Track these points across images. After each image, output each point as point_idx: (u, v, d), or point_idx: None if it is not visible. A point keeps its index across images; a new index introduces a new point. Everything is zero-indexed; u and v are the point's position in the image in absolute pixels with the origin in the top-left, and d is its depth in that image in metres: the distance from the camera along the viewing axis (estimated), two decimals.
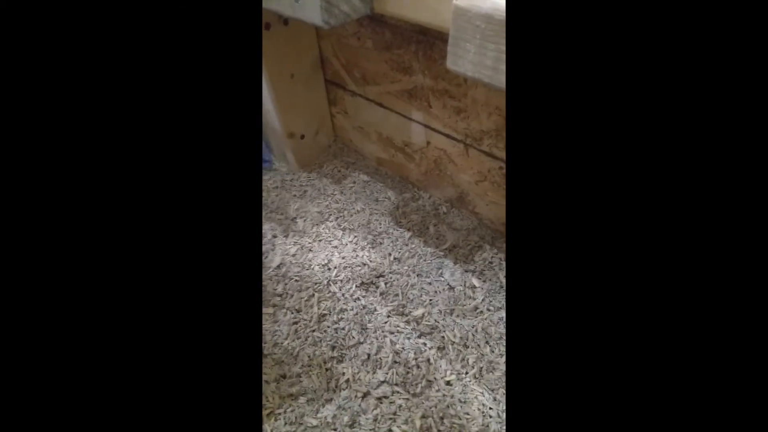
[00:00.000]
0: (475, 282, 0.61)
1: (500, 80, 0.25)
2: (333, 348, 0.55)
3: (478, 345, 0.55)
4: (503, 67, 0.25)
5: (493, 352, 0.54)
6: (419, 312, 0.59)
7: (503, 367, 0.52)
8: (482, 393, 0.50)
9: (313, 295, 0.61)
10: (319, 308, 0.59)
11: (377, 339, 0.56)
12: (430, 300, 0.60)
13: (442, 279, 0.62)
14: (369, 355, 0.54)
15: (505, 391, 0.50)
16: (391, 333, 0.56)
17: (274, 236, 0.69)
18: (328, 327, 0.57)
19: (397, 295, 0.61)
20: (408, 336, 0.56)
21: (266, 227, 0.71)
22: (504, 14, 0.23)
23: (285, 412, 0.49)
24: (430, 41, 0.54)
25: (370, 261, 0.65)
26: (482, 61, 0.25)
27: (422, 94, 0.61)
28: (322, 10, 0.34)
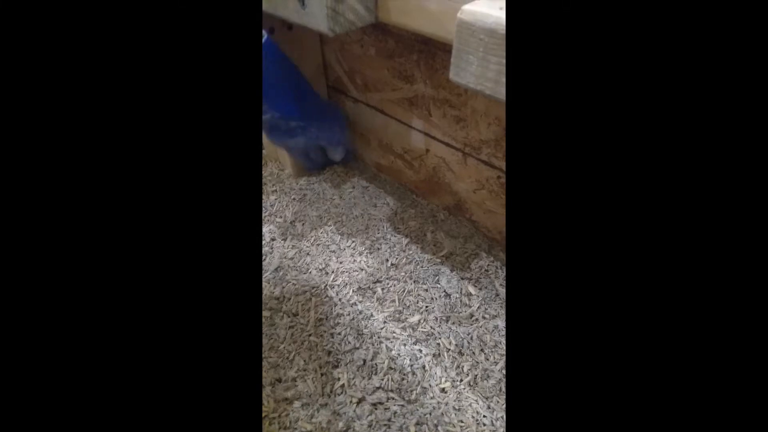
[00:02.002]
0: (471, 290, 0.62)
1: (502, 92, 0.26)
2: (329, 353, 0.55)
3: (473, 352, 0.55)
4: (505, 80, 0.25)
5: (488, 359, 0.54)
6: (415, 318, 0.59)
7: (498, 375, 0.53)
8: (477, 401, 0.50)
9: (310, 299, 0.61)
10: (315, 313, 0.59)
11: (373, 345, 0.56)
12: (427, 307, 0.60)
13: (439, 286, 0.62)
14: (365, 360, 0.54)
15: (499, 400, 0.51)
16: (387, 339, 0.56)
17: (273, 239, 0.69)
18: (325, 332, 0.57)
19: (393, 301, 0.61)
20: (404, 342, 0.56)
21: (265, 230, 0.71)
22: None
23: (279, 416, 0.49)
24: (432, 51, 0.55)
25: (368, 266, 0.65)
26: (484, 73, 0.26)
27: (423, 102, 0.62)
28: (328, 17, 0.35)
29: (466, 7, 0.25)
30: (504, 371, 0.53)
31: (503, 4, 0.25)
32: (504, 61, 0.25)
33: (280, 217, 0.73)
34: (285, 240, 0.69)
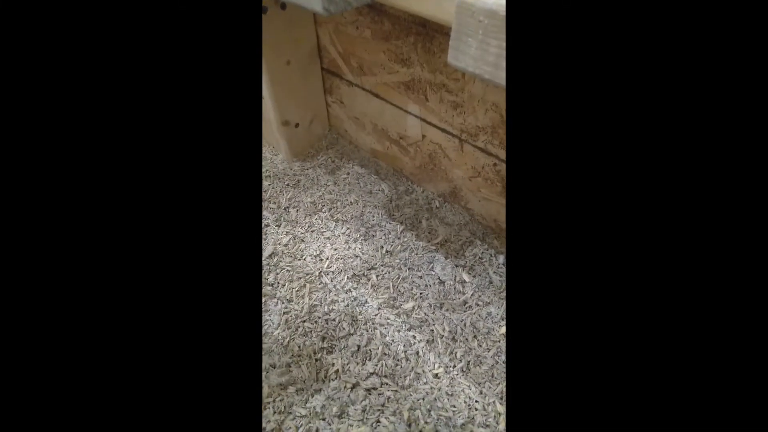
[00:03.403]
0: (465, 277, 0.62)
1: (501, 77, 0.25)
2: (323, 339, 0.55)
3: (466, 339, 0.55)
4: (505, 63, 0.24)
5: (480, 346, 0.55)
6: (409, 305, 0.59)
7: (490, 361, 0.53)
8: (469, 386, 0.51)
9: (305, 285, 0.61)
10: (310, 299, 0.59)
11: (367, 331, 0.56)
12: (421, 293, 0.60)
13: (433, 273, 0.62)
14: (359, 346, 0.54)
15: (491, 385, 0.51)
16: (381, 325, 0.57)
17: (267, 225, 0.69)
18: (319, 318, 0.57)
19: (388, 287, 0.61)
20: (398, 328, 0.56)
21: None
22: None
23: (274, 401, 0.50)
24: (429, 34, 0.54)
25: (363, 253, 0.65)
26: (484, 57, 0.25)
27: (419, 86, 0.61)
28: None
29: None
30: (496, 357, 0.54)
31: None
32: (504, 44, 0.24)
33: (274, 203, 0.72)
34: (279, 226, 0.69)
